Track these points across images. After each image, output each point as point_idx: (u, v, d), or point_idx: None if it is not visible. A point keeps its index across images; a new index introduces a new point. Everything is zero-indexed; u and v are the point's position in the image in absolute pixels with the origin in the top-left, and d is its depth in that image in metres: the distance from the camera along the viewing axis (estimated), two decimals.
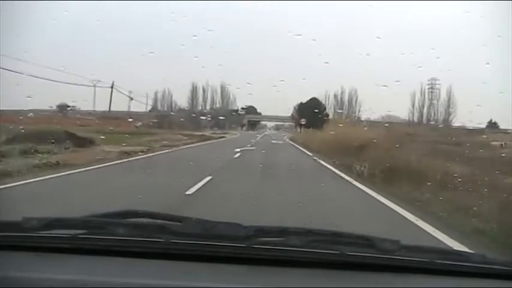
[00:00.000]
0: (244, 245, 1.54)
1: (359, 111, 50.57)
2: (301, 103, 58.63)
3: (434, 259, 1.56)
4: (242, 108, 68.83)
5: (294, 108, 62.63)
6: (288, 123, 72.08)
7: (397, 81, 50.78)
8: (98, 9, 64.66)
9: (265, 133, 57.93)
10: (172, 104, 63.03)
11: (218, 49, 59.03)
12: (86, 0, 42.85)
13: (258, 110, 70.46)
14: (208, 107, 66.05)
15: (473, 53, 43.43)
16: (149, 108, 56.31)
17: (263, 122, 75.67)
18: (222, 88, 70.34)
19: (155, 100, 59.15)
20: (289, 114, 63.73)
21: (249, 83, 54.81)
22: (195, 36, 45.59)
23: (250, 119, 71.25)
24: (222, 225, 1.61)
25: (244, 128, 67.44)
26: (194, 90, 69.02)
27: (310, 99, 56.67)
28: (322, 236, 1.64)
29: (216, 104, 67.60)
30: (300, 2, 56.91)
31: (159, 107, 58.73)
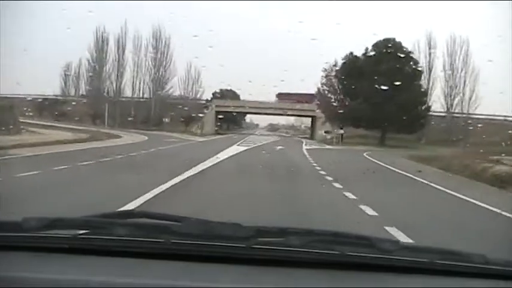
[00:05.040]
0: (244, 246, 1.54)
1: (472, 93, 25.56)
2: (352, 55, 29.32)
3: (434, 259, 1.56)
4: (213, 94, 42.23)
5: (326, 72, 31.74)
6: (286, 115, 45.66)
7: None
8: (97, 9, 64.76)
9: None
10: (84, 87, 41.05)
11: (218, 49, 58.48)
12: (87, 0, 42.90)
13: (242, 98, 41.03)
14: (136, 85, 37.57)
15: (474, 52, 43.33)
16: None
17: (255, 122, 51.31)
18: (157, 40, 39.65)
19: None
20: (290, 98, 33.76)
21: (250, 81, 52.86)
22: (195, 36, 45.38)
23: (222, 108, 39.67)
24: (222, 226, 1.61)
25: (201, 130, 34.88)
26: (100, 40, 39.21)
27: (377, 42, 28.03)
28: (322, 236, 1.64)
29: (144, 80, 37.67)
30: (300, 2, 56.79)
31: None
